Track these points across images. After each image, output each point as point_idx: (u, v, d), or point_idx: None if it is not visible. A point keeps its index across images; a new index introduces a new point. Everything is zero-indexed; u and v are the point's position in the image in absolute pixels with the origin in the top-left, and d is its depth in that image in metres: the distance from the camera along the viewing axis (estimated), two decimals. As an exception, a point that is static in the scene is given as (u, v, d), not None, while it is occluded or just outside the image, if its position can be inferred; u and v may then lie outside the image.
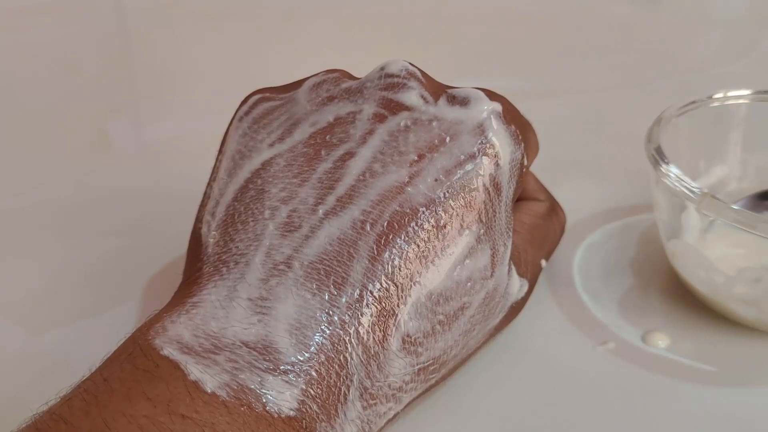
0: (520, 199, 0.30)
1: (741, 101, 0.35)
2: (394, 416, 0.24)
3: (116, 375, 0.21)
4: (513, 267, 0.27)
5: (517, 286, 0.27)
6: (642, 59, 0.53)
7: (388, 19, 0.59)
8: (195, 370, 0.20)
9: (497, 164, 0.25)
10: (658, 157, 0.30)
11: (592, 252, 0.34)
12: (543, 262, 0.30)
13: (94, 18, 0.59)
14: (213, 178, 0.27)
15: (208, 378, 0.20)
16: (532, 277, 0.29)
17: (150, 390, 0.20)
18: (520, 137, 0.26)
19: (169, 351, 0.21)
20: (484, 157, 0.25)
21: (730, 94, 0.34)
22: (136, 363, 0.21)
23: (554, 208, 0.31)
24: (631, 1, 0.61)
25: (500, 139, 0.25)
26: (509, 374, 0.29)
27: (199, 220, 0.26)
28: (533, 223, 0.30)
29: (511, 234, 0.26)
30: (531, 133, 0.28)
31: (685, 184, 0.29)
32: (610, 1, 0.61)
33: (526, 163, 0.27)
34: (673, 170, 0.29)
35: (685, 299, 0.32)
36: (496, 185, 0.25)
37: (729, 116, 0.35)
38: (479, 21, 0.58)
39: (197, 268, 0.24)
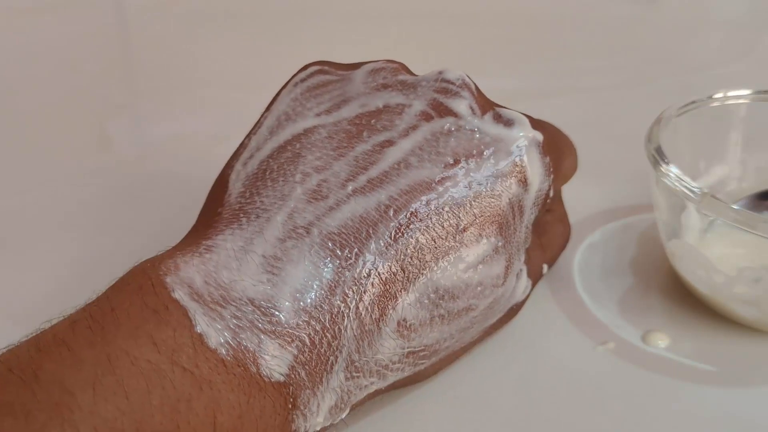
0: None
1: (741, 101, 0.35)
2: (376, 392, 0.25)
3: (124, 307, 0.21)
4: (524, 270, 0.28)
5: (522, 288, 0.28)
6: (642, 59, 0.53)
7: (388, 18, 0.59)
8: (202, 322, 0.21)
9: (525, 189, 0.26)
10: (658, 157, 0.30)
11: (592, 252, 0.34)
12: (545, 268, 0.30)
13: (94, 18, 0.59)
14: (254, 131, 0.27)
15: (213, 333, 0.21)
16: (534, 280, 0.29)
17: (157, 334, 0.20)
18: (551, 169, 0.27)
19: (180, 294, 0.21)
20: (514, 178, 0.25)
21: (730, 94, 0.34)
22: (146, 300, 0.21)
23: (563, 218, 0.32)
24: (631, 1, 0.61)
25: (533, 167, 0.26)
26: (509, 374, 0.29)
27: (229, 166, 0.27)
28: (543, 229, 0.30)
29: (526, 248, 0.27)
30: (570, 158, 0.29)
31: (685, 184, 0.29)
32: (610, 1, 0.61)
33: (551, 195, 0.28)
34: (673, 170, 0.29)
35: (685, 299, 0.32)
36: (520, 208, 0.26)
37: (729, 116, 0.35)
38: (479, 21, 0.58)
39: (217, 212, 0.24)
